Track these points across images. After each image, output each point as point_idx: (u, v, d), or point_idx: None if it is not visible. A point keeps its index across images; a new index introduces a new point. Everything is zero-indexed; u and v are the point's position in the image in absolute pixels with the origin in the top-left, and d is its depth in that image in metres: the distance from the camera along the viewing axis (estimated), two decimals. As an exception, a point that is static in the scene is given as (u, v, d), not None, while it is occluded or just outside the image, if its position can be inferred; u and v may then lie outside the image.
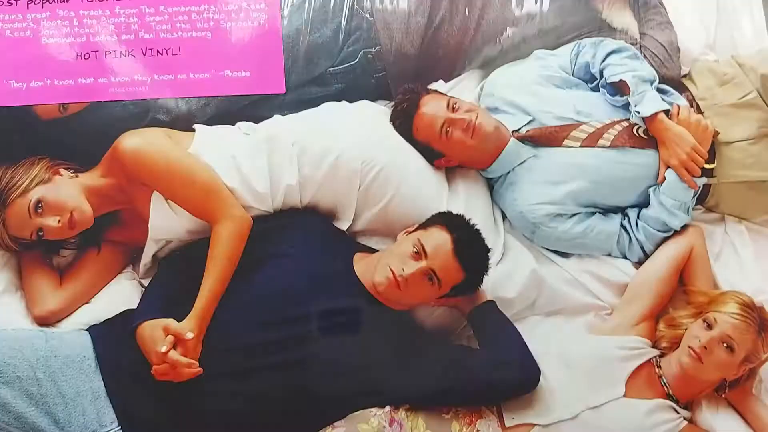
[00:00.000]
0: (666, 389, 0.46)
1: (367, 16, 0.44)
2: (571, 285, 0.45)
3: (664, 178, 0.47)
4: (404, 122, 0.45)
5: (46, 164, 0.41)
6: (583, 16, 0.48)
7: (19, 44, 0.40)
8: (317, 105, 0.43)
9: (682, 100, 0.50)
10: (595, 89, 0.49)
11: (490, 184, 0.47)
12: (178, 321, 0.40)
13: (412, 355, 0.43)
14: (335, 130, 0.44)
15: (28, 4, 0.40)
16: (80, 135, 0.41)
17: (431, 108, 0.45)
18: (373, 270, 0.42)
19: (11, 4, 0.40)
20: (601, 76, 0.49)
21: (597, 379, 0.44)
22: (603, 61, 0.49)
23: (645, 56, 0.49)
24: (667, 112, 0.48)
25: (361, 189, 0.43)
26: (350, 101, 0.44)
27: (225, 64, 0.42)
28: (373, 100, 0.45)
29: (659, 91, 0.49)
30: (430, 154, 0.45)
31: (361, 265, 0.43)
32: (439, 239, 0.42)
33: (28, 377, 0.40)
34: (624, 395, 0.44)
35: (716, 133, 0.50)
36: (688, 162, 0.47)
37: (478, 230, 0.44)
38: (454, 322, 0.45)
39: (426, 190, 0.45)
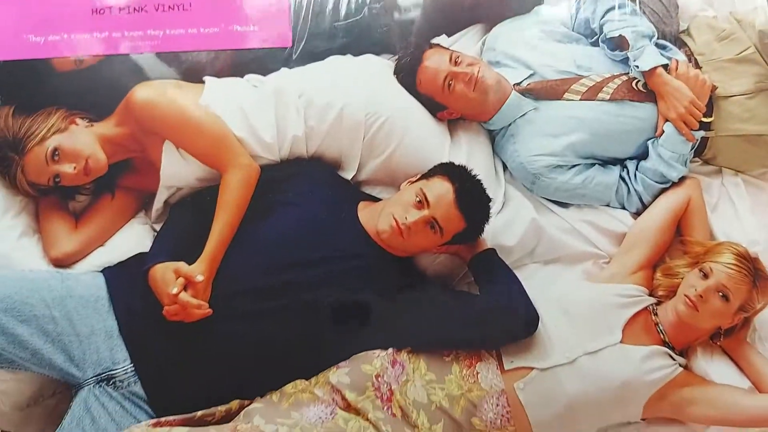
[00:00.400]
0: (662, 336, 0.47)
1: None
2: (569, 234, 0.47)
3: (663, 131, 0.48)
4: (408, 75, 0.46)
5: (62, 114, 0.42)
6: (584, -29, 0.49)
7: (37, 0, 0.41)
8: (323, 58, 0.44)
9: (680, 55, 0.50)
10: (595, 44, 0.50)
11: (492, 136, 0.49)
12: (189, 264, 0.42)
13: (414, 300, 0.44)
14: (340, 83, 0.45)
15: None
16: (95, 87, 0.42)
17: (434, 61, 0.46)
18: (376, 218, 0.43)
19: None
20: (601, 31, 0.50)
21: (594, 326, 0.46)
22: (603, 17, 0.50)
23: (644, 12, 0.50)
24: (665, 66, 0.49)
25: (366, 140, 0.44)
26: (355, 55, 0.45)
27: (234, 19, 0.43)
28: (378, 53, 0.46)
29: (658, 46, 0.50)
30: (433, 106, 0.47)
31: (365, 213, 0.44)
32: (441, 189, 0.43)
33: (44, 316, 0.42)
34: (621, 341, 0.46)
35: (714, 88, 0.50)
36: (686, 115, 0.48)
37: (479, 180, 0.45)
38: (455, 269, 0.46)
39: (429, 141, 0.46)
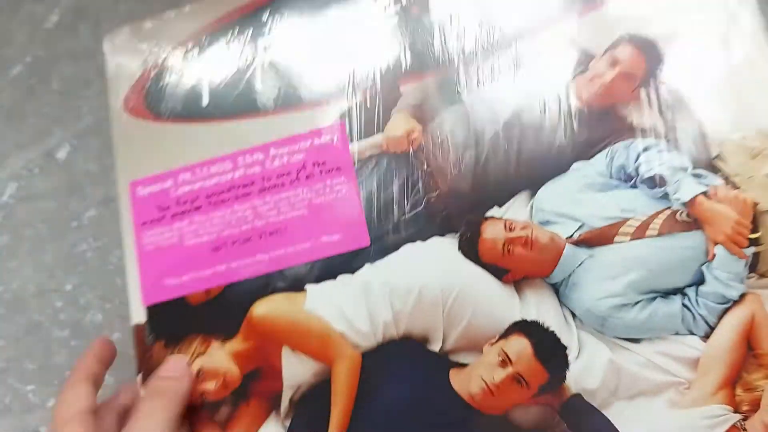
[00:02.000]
0: (756, 449, 0.49)
1: (425, 167, 0.53)
2: (647, 367, 0.50)
3: (714, 255, 0.52)
4: (470, 249, 0.53)
5: (201, 340, 0.51)
6: (611, 125, 0.55)
7: (168, 250, 0.50)
8: (397, 249, 0.52)
9: (717, 180, 0.54)
10: (634, 186, 0.55)
11: (556, 288, 0.53)
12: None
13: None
14: (415, 268, 0.52)
15: (172, 216, 0.51)
16: (224, 311, 0.51)
17: (491, 232, 0.53)
18: (468, 382, 0.49)
19: (161, 219, 0.51)
20: (638, 173, 0.55)
21: (689, 451, 0.48)
22: (636, 159, 0.55)
23: (675, 148, 0.55)
24: (705, 193, 0.53)
25: (444, 313, 0.51)
26: (423, 240, 0.53)
27: (320, 232, 0.51)
28: (442, 235, 0.53)
29: (694, 176, 0.55)
30: (498, 271, 0.52)
31: (456, 379, 0.50)
32: (519, 345, 0.48)
33: None
34: (717, 461, 0.48)
35: (756, 204, 0.54)
36: (734, 236, 0.52)
37: (552, 332, 0.50)
38: (547, 420, 0.50)
39: (500, 304, 0.51)
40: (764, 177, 0.53)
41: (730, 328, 0.50)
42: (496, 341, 0.50)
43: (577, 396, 0.49)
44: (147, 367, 0.48)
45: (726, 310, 0.50)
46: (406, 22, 0.54)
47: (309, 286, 0.51)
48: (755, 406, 0.49)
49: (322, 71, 0.54)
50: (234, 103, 0.54)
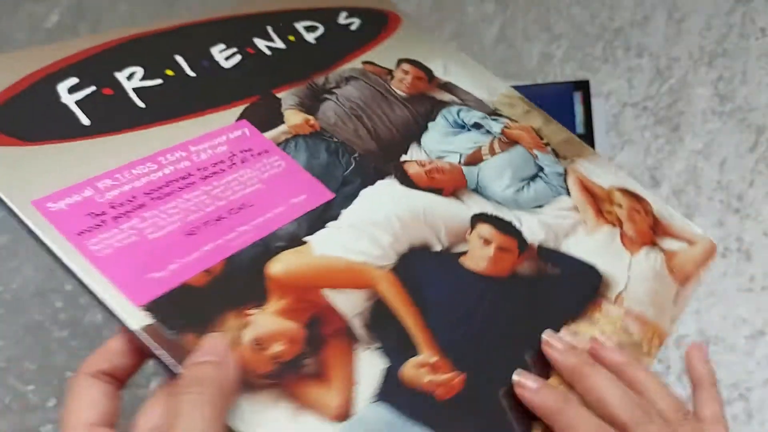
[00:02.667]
0: None
1: (335, 140, 0.60)
2: (558, 218, 0.64)
3: (536, 155, 0.74)
4: (409, 183, 0.60)
5: (235, 314, 0.41)
6: (429, 101, 0.74)
7: (132, 248, 0.42)
8: (357, 195, 0.55)
9: (505, 119, 0.79)
10: (469, 130, 0.75)
11: (477, 191, 0.66)
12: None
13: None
14: (383, 202, 0.56)
15: (114, 219, 0.43)
16: (238, 281, 0.43)
17: (414, 169, 0.61)
18: (474, 262, 0.56)
19: (100, 225, 0.42)
20: (464, 123, 0.75)
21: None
22: (459, 116, 0.75)
23: (473, 108, 0.78)
24: (506, 126, 0.76)
25: (427, 225, 0.58)
26: (372, 184, 0.58)
27: (286, 197, 0.50)
28: (382, 179, 0.60)
29: (493, 120, 0.78)
30: (436, 191, 0.61)
31: (465, 264, 0.56)
32: (486, 229, 0.58)
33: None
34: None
35: (533, 127, 0.80)
36: (536, 144, 0.75)
37: (495, 215, 0.62)
38: (538, 266, 0.59)
39: (454, 208, 0.61)
40: (524, 114, 0.80)
41: (573, 184, 0.71)
42: (471, 231, 0.59)
43: (539, 246, 0.60)
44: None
45: (564, 178, 0.72)
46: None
47: (308, 238, 0.52)
48: (620, 222, 0.70)
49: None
50: (117, 120, 0.51)
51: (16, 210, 0.41)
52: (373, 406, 0.44)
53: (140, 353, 0.40)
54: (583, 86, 0.81)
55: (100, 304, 0.40)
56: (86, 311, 0.65)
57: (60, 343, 0.65)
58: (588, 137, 0.81)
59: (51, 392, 0.64)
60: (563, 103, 0.81)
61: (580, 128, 0.81)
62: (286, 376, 0.42)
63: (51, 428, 0.65)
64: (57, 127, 0.49)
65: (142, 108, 0.54)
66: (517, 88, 0.82)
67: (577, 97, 0.81)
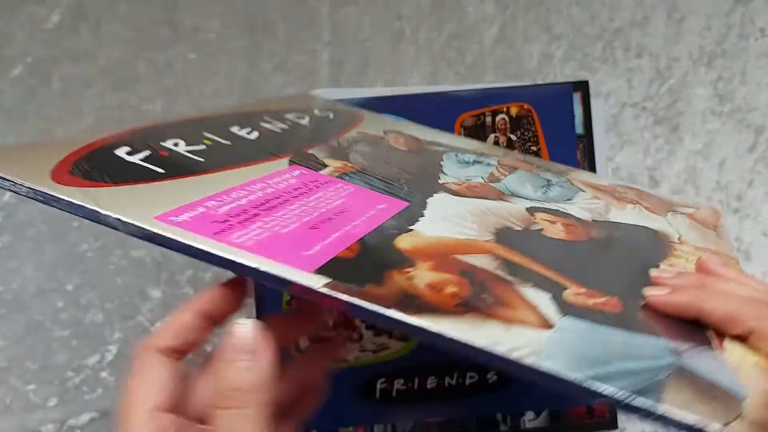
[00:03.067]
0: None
1: (381, 169, 0.62)
2: (590, 204, 0.67)
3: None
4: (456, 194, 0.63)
5: (397, 271, 0.43)
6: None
7: (273, 239, 0.43)
8: (425, 204, 0.58)
9: (494, 159, 0.78)
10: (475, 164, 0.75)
11: (517, 197, 0.68)
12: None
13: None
14: (449, 205, 0.59)
15: (241, 223, 0.44)
16: (381, 253, 0.48)
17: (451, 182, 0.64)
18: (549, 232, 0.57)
19: (231, 227, 0.43)
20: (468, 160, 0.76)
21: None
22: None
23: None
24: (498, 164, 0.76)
25: (496, 216, 0.59)
26: (431, 196, 0.61)
27: (371, 205, 0.55)
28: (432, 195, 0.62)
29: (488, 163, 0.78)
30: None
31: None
32: (547, 215, 0.61)
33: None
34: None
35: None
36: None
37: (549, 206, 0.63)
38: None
39: (503, 204, 0.63)
40: (504, 155, 0.80)
41: (582, 184, 0.73)
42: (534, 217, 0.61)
43: (593, 221, 0.62)
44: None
45: (571, 183, 0.73)
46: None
47: (412, 226, 0.53)
48: (636, 201, 0.70)
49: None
50: (187, 167, 0.52)
51: (142, 225, 0.40)
52: (565, 318, 0.44)
53: (211, 324, 0.39)
54: (583, 86, 0.81)
55: (268, 279, 0.37)
56: (87, 311, 0.64)
57: (61, 342, 0.66)
58: (587, 137, 0.82)
59: (51, 392, 0.65)
60: (562, 104, 0.82)
61: (579, 128, 0.82)
62: (477, 306, 0.43)
63: (52, 428, 0.65)
64: (134, 173, 0.49)
65: (201, 161, 0.54)
66: (516, 88, 0.83)
67: (577, 98, 0.81)
